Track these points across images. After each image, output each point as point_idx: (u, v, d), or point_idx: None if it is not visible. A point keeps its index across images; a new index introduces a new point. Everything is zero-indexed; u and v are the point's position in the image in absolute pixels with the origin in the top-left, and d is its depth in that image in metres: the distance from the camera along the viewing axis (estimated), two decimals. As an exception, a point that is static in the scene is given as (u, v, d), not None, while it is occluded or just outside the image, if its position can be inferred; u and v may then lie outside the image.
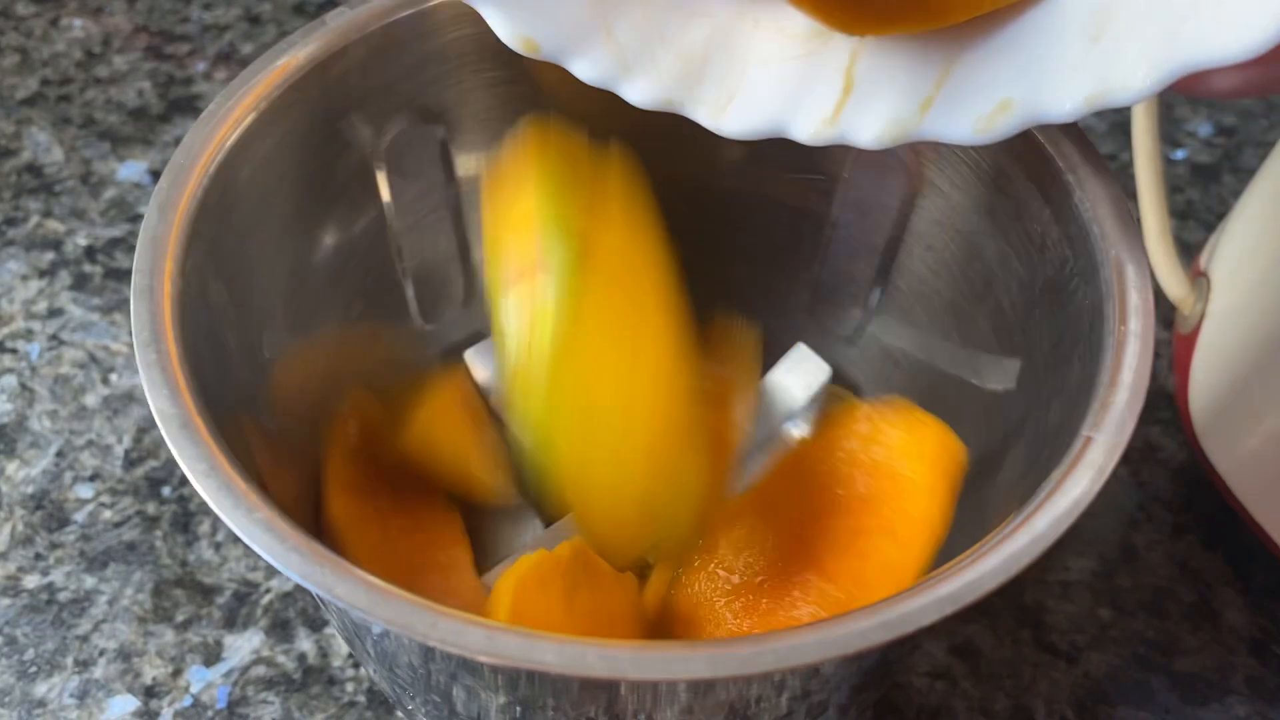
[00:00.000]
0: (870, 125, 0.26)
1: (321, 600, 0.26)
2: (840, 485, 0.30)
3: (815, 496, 0.30)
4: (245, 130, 0.27)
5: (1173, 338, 0.41)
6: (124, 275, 0.45)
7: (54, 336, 0.43)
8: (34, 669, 0.35)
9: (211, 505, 0.22)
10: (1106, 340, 0.24)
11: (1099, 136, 0.50)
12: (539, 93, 0.32)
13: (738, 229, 0.35)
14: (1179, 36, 0.21)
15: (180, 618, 0.36)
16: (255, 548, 0.21)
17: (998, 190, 0.29)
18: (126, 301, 0.43)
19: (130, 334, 0.42)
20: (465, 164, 0.33)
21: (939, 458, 0.29)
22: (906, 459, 0.29)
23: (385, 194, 0.32)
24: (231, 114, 0.27)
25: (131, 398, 0.41)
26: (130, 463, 0.40)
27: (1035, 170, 0.27)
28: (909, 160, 0.31)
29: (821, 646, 0.20)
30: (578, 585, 0.28)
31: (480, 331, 0.37)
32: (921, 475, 0.29)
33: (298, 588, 0.37)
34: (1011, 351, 0.29)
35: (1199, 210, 0.48)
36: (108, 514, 0.38)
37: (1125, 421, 0.23)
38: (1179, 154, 0.50)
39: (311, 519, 0.32)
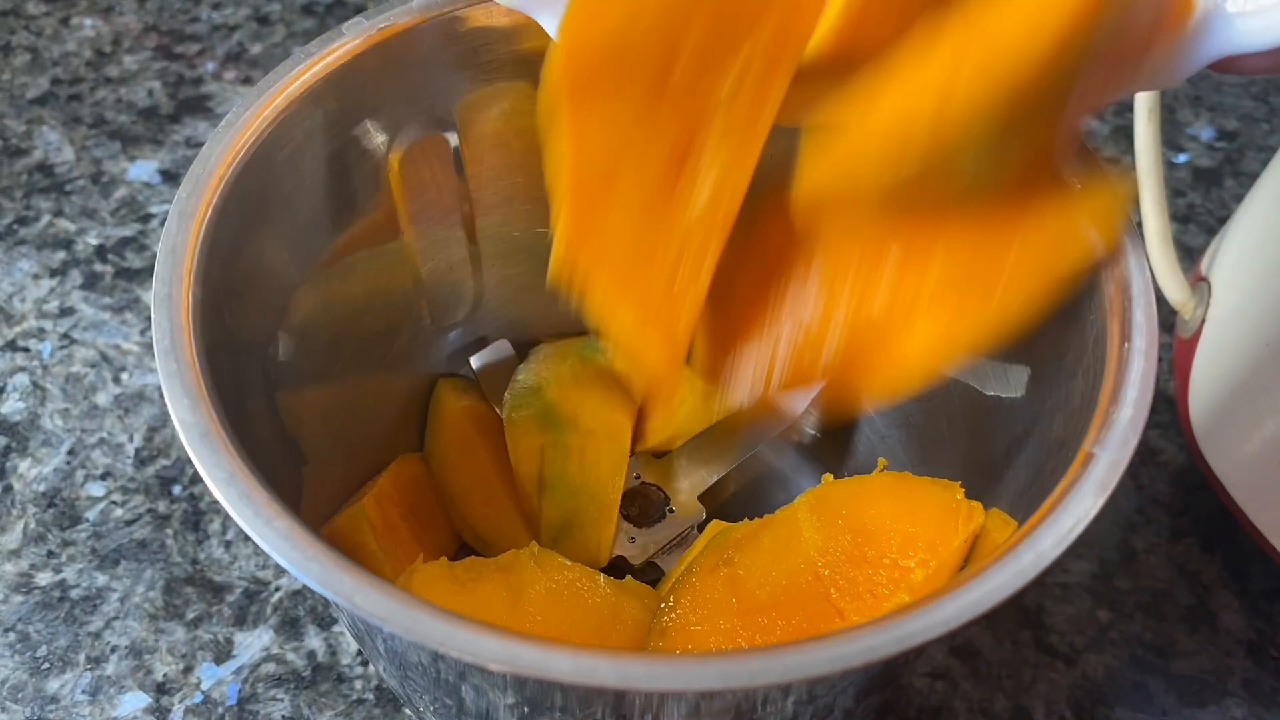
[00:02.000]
0: None
1: (337, 603, 0.26)
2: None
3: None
4: (262, 139, 0.28)
5: (1173, 342, 0.41)
6: (134, 275, 0.45)
7: (65, 335, 0.43)
8: (46, 665, 0.36)
9: (233, 515, 0.22)
10: (1111, 356, 0.24)
11: (1101, 140, 0.50)
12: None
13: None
14: (1214, 23, 0.22)
15: (191, 615, 0.37)
16: (276, 557, 0.22)
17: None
18: (137, 301, 0.44)
19: (140, 333, 0.43)
20: (477, 171, 0.33)
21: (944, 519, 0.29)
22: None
23: (399, 200, 0.32)
24: (249, 123, 0.27)
25: (142, 397, 0.41)
26: (141, 461, 0.40)
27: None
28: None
29: (830, 661, 0.20)
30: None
31: (487, 336, 0.37)
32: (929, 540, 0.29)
33: (307, 586, 0.37)
34: (1016, 362, 0.29)
35: (1200, 214, 0.48)
36: (119, 512, 0.39)
37: (1128, 438, 0.23)
38: (1181, 157, 0.50)
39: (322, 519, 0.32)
